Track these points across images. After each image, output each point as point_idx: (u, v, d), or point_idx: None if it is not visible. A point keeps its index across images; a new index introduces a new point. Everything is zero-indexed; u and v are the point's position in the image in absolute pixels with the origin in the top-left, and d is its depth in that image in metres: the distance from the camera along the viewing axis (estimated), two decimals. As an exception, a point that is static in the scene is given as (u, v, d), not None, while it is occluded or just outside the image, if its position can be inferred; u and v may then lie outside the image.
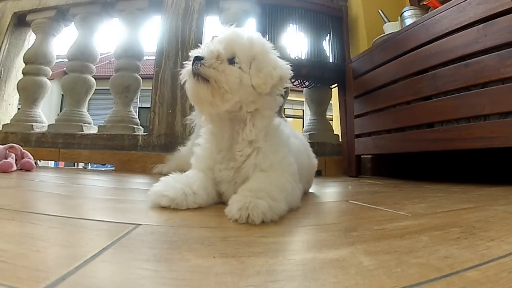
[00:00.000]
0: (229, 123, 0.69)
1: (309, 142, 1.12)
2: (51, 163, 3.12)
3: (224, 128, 0.69)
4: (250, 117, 0.67)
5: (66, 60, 2.38)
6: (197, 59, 0.62)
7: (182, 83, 0.68)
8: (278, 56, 0.70)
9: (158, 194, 0.62)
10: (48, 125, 2.28)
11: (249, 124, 0.67)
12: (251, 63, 0.65)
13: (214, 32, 1.39)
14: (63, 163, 3.90)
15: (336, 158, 2.13)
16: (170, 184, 0.64)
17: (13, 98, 2.54)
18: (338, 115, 2.20)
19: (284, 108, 3.60)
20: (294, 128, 0.99)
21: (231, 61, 0.64)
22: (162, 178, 0.66)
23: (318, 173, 2.01)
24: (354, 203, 0.80)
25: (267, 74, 0.64)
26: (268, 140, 0.68)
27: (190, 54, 0.65)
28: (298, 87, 2.28)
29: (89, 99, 2.43)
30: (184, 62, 0.67)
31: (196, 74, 0.62)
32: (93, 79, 2.37)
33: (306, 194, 0.94)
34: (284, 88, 0.72)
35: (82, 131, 2.19)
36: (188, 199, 0.62)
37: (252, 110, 0.67)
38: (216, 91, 0.62)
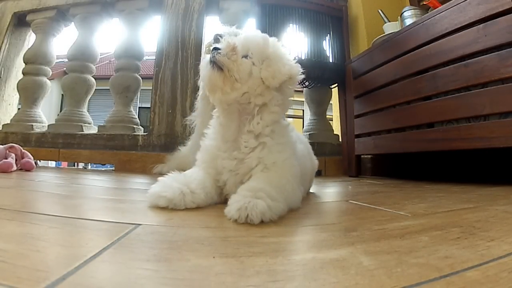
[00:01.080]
0: (238, 115, 0.71)
1: (309, 142, 1.12)
2: (52, 163, 3.11)
3: (232, 119, 0.71)
4: (258, 110, 0.69)
5: (66, 60, 2.38)
6: (216, 49, 0.67)
7: (200, 74, 0.72)
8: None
9: (156, 195, 0.62)
10: (48, 125, 2.28)
11: (257, 117, 0.69)
12: (264, 61, 0.69)
13: (216, 30, 1.38)
14: (66, 163, 3.90)
15: (336, 158, 2.13)
16: (167, 184, 0.64)
17: (13, 98, 2.54)
18: (338, 115, 2.20)
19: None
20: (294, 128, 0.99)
21: (246, 57, 0.68)
22: (160, 178, 0.66)
23: (318, 173, 2.00)
24: (354, 203, 0.80)
25: (276, 69, 0.67)
26: (274, 138, 0.69)
27: (209, 47, 0.70)
28: (298, 87, 2.27)
29: (89, 99, 2.43)
30: (205, 53, 0.72)
31: (212, 62, 0.67)
32: (93, 79, 2.37)
33: (306, 194, 0.94)
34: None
35: (82, 131, 2.19)
36: (186, 199, 0.62)
37: (260, 104, 0.69)
38: (227, 79, 0.66)
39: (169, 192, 0.61)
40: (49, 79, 2.45)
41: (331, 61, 2.05)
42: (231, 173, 0.69)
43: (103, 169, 2.69)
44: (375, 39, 1.84)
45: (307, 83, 2.10)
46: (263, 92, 0.68)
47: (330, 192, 1.18)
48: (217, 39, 1.29)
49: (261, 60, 0.68)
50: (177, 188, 0.62)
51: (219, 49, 0.67)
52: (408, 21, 1.69)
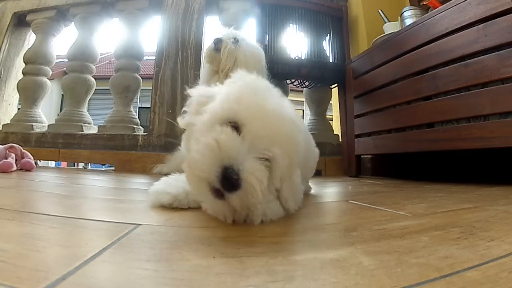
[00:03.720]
0: None
1: (309, 142, 1.12)
2: (52, 163, 3.12)
3: None
4: None
5: (66, 60, 2.38)
6: (229, 184, 0.45)
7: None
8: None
9: (160, 192, 0.61)
10: (48, 125, 2.28)
11: None
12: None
13: (215, 34, 1.38)
14: (66, 163, 3.90)
15: (336, 158, 2.13)
16: (170, 183, 0.63)
17: (13, 98, 2.54)
18: (338, 115, 2.20)
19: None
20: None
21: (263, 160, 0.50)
22: (162, 178, 0.66)
23: (318, 173, 2.01)
24: (354, 203, 0.80)
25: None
26: None
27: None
28: (298, 87, 2.28)
29: (89, 99, 2.44)
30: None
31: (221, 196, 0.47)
32: (93, 79, 2.37)
33: (306, 193, 0.94)
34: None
35: (82, 131, 2.19)
36: (190, 198, 0.61)
37: None
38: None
39: (173, 189, 0.61)
40: (49, 79, 2.45)
41: (331, 61, 2.05)
42: None
43: (103, 169, 2.69)
44: (375, 39, 1.84)
45: (307, 83, 2.11)
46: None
47: (330, 192, 1.18)
48: (217, 43, 1.30)
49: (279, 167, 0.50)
50: (181, 187, 0.61)
51: (235, 184, 0.44)
52: (408, 21, 1.69)
